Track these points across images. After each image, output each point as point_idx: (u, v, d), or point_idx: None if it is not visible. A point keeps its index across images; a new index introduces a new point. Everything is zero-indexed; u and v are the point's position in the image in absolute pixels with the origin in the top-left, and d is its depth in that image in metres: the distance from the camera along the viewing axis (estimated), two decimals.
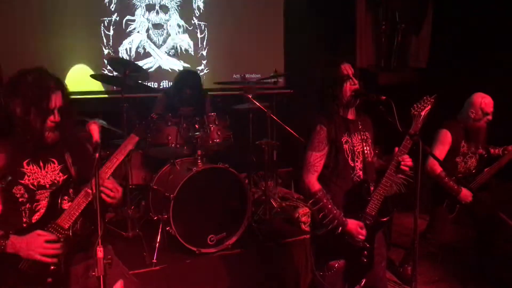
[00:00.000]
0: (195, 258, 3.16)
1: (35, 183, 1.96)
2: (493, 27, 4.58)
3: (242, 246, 3.33)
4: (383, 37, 5.67)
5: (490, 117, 3.28)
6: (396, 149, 2.23)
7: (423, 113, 2.20)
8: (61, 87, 1.98)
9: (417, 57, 5.74)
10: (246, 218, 3.38)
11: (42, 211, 1.95)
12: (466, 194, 3.25)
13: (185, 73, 4.07)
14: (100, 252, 1.59)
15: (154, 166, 3.67)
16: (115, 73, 3.69)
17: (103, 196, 1.92)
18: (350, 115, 2.33)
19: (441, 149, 3.27)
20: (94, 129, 1.92)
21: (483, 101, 3.26)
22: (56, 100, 1.94)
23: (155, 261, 3.05)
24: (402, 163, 2.20)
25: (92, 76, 3.83)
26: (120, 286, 1.64)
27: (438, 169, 3.21)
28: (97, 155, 1.77)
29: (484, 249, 3.48)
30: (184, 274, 3.10)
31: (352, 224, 2.20)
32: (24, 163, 1.95)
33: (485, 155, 3.42)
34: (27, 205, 1.94)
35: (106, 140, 3.46)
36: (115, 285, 1.64)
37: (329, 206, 2.19)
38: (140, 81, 3.79)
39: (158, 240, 3.15)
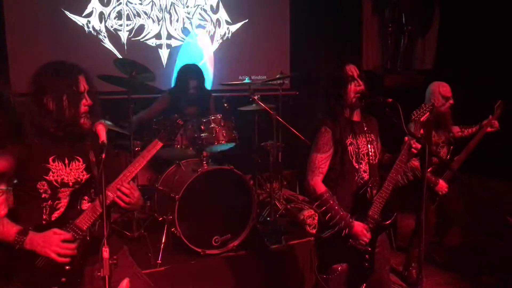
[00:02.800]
0: (200, 259, 3.16)
1: (59, 180, 1.96)
2: (499, 29, 4.55)
3: (246, 247, 3.33)
4: (389, 39, 5.65)
5: (451, 101, 3.45)
6: (406, 138, 2.22)
7: (422, 119, 2.27)
8: (83, 71, 2.00)
9: (424, 59, 5.71)
10: (251, 220, 3.37)
11: (62, 209, 1.96)
12: (442, 185, 3.41)
13: (186, 67, 4.07)
14: (105, 252, 1.59)
15: (159, 167, 3.68)
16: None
17: (117, 200, 1.93)
18: (355, 117, 2.32)
19: None
20: (101, 130, 1.93)
21: (441, 87, 3.45)
22: (83, 83, 1.96)
23: (159, 261, 3.06)
24: (413, 145, 2.18)
25: (99, 77, 3.85)
26: (126, 284, 1.63)
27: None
28: (103, 155, 1.77)
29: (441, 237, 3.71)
30: (189, 275, 3.10)
31: (358, 226, 2.20)
32: (50, 159, 1.94)
33: (451, 139, 3.58)
34: (49, 202, 1.95)
35: (113, 141, 3.48)
36: (121, 284, 1.63)
37: (336, 207, 2.18)
38: (147, 82, 3.80)
39: (163, 241, 3.16)
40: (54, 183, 1.95)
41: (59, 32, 4.44)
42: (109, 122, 3.21)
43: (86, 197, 2.00)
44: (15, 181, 1.91)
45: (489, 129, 3.57)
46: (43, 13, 4.39)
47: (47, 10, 4.40)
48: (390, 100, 2.18)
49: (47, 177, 1.93)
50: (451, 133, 3.60)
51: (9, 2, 4.24)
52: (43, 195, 1.94)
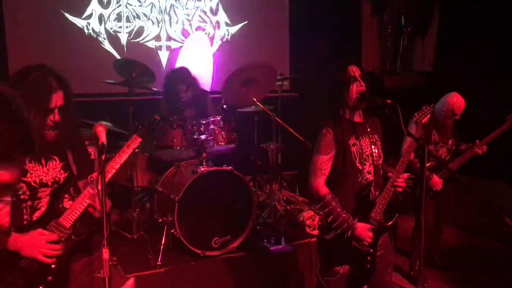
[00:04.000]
0: (200, 261, 3.16)
1: (37, 181, 1.96)
2: (499, 30, 4.56)
3: (246, 249, 3.33)
4: (389, 40, 5.66)
5: (457, 117, 3.52)
6: (390, 174, 2.27)
7: (424, 121, 2.29)
8: (63, 86, 1.97)
9: (423, 60, 5.71)
10: (250, 221, 3.37)
11: (43, 209, 1.96)
12: (436, 181, 3.45)
13: (172, 71, 4.06)
14: (105, 253, 1.60)
15: (159, 168, 3.68)
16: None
17: (90, 209, 1.92)
18: (357, 118, 2.32)
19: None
20: (101, 131, 1.94)
21: (456, 103, 3.48)
22: (56, 99, 1.93)
23: (159, 263, 3.06)
24: (395, 183, 2.24)
25: (104, 82, 3.86)
26: (132, 284, 1.63)
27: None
28: (103, 156, 1.78)
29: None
30: (189, 276, 3.10)
31: (361, 227, 2.19)
32: (26, 160, 1.93)
33: (453, 147, 3.63)
34: (28, 203, 1.95)
35: (112, 142, 3.48)
36: (127, 283, 1.63)
37: (338, 209, 2.18)
38: (146, 84, 3.81)
39: (162, 242, 3.15)
40: (33, 183, 1.95)
41: (59, 34, 4.45)
42: (109, 123, 3.21)
43: (66, 196, 2.00)
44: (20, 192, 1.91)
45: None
46: (43, 15, 4.40)
47: (47, 12, 4.41)
48: (389, 101, 2.18)
49: (25, 179, 1.93)
50: (454, 143, 3.64)
51: (9, 4, 4.26)
52: (22, 197, 1.93)
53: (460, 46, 5.12)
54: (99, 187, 1.75)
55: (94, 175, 1.92)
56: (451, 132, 3.65)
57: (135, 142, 2.08)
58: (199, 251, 3.16)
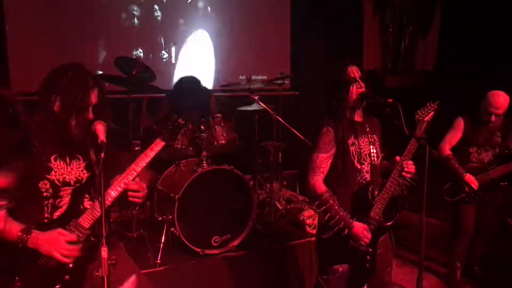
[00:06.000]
0: (199, 259, 3.15)
1: (61, 179, 1.96)
2: (500, 30, 4.55)
3: (246, 248, 3.32)
4: (390, 39, 5.65)
5: (492, 116, 3.24)
6: (398, 158, 2.24)
7: (426, 119, 2.25)
8: (98, 84, 2.00)
9: (425, 60, 5.71)
10: (250, 220, 3.37)
11: (64, 207, 1.96)
12: (470, 178, 3.28)
13: (182, 82, 4.03)
14: (104, 252, 1.59)
15: (159, 166, 3.67)
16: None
17: (131, 198, 1.97)
18: (357, 117, 2.32)
19: (452, 135, 3.39)
20: (100, 129, 1.93)
21: (492, 97, 3.26)
22: (93, 97, 1.96)
23: (159, 261, 3.05)
24: (406, 169, 2.21)
25: (99, 76, 3.85)
26: (133, 281, 1.63)
27: (447, 151, 3.33)
28: (102, 155, 1.77)
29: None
30: (188, 275, 3.10)
31: (358, 226, 2.19)
32: (52, 158, 1.95)
33: (506, 151, 3.38)
34: (50, 200, 1.95)
35: (112, 140, 3.47)
36: (128, 279, 1.63)
37: (336, 207, 2.17)
38: (148, 82, 3.80)
39: (162, 241, 3.15)
40: (56, 182, 1.95)
41: (60, 30, 4.43)
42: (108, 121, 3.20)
43: (87, 196, 2.00)
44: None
45: None
46: (43, 13, 4.38)
47: (47, 10, 4.40)
48: (390, 100, 2.17)
49: (49, 176, 1.93)
50: (504, 146, 3.38)
51: (9, 2, 4.24)
52: (45, 194, 1.94)
53: (461, 45, 5.11)
54: (102, 186, 1.74)
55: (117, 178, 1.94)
56: (494, 134, 3.33)
57: (159, 145, 2.06)
58: (198, 250, 3.16)
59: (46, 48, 4.28)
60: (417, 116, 2.26)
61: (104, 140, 1.88)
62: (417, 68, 5.77)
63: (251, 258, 3.30)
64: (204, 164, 3.31)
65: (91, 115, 1.97)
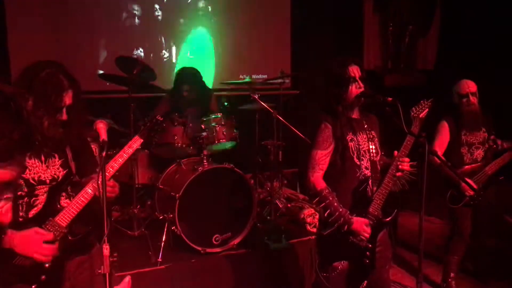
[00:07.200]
0: (200, 258, 3.17)
1: (36, 178, 1.92)
2: (501, 28, 4.55)
3: (247, 246, 3.33)
4: (390, 38, 5.65)
5: (470, 97, 3.24)
6: (396, 152, 2.25)
7: (421, 116, 2.28)
8: (73, 85, 1.95)
9: (425, 59, 5.71)
10: (251, 219, 3.38)
11: (40, 206, 1.91)
12: (468, 182, 3.17)
13: (182, 71, 4.05)
14: (106, 249, 1.59)
15: (160, 165, 3.69)
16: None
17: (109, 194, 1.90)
18: (355, 114, 2.33)
19: (441, 140, 3.32)
20: (102, 128, 1.93)
21: (459, 84, 3.30)
22: (66, 99, 1.91)
23: (160, 260, 3.06)
24: (400, 167, 2.23)
25: (100, 75, 3.86)
26: (128, 281, 1.63)
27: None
28: (103, 153, 1.77)
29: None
30: (189, 273, 3.11)
31: (358, 222, 2.19)
32: (26, 157, 1.89)
33: (494, 146, 3.36)
34: (25, 199, 1.90)
35: (113, 139, 3.48)
36: (123, 280, 1.63)
37: (335, 204, 2.18)
38: (148, 81, 3.81)
39: (163, 240, 3.16)
40: (31, 180, 1.90)
41: (61, 29, 4.45)
42: (110, 121, 3.21)
43: (64, 194, 1.97)
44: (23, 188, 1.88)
45: None
46: (44, 13, 4.39)
47: (48, 9, 4.41)
48: (390, 99, 2.18)
49: (23, 175, 1.88)
50: (492, 140, 3.35)
51: (10, 1, 4.25)
52: (19, 193, 1.88)
53: (461, 44, 5.11)
54: (104, 184, 1.73)
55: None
56: (477, 121, 3.32)
57: (137, 142, 2.05)
58: (199, 248, 3.17)
59: (47, 47, 4.30)
60: (412, 113, 2.29)
61: (106, 139, 1.88)
62: (418, 67, 5.77)
63: (252, 256, 3.32)
64: (205, 163, 3.32)
65: (64, 116, 1.91)
